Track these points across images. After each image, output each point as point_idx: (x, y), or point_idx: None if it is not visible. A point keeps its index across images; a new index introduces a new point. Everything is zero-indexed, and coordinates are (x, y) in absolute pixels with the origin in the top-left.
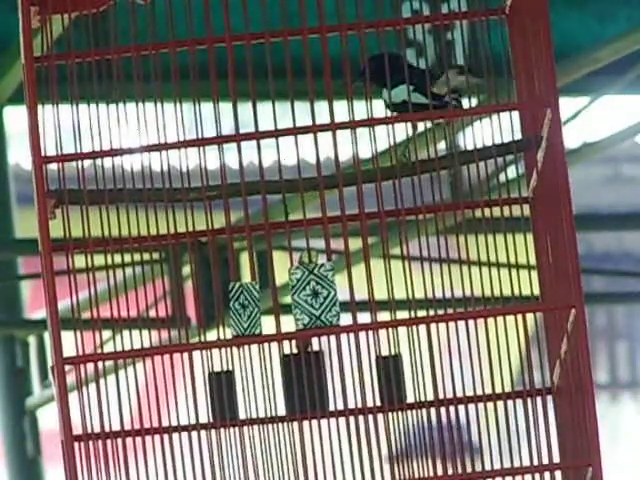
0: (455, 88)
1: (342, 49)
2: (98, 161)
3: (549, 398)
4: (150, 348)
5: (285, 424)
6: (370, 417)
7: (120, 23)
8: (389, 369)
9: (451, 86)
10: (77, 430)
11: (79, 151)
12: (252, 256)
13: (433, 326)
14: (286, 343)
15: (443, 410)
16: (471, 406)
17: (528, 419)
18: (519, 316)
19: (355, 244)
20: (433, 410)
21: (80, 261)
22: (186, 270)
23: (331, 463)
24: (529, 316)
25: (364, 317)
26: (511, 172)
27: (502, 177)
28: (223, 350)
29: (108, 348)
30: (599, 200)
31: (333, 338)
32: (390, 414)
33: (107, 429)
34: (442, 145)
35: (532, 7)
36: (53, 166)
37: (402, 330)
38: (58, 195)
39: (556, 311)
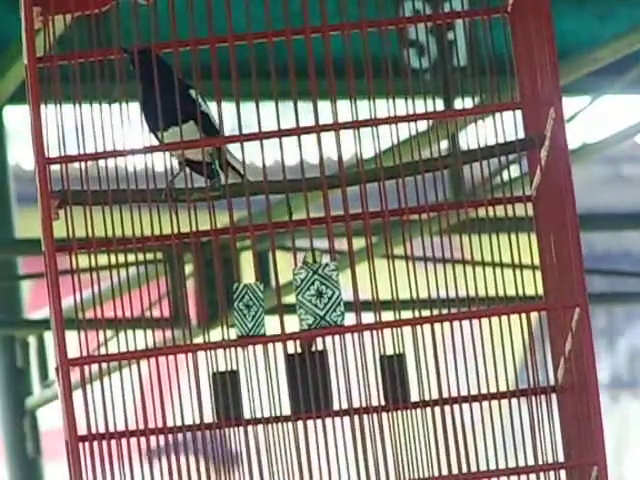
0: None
1: (344, 48)
2: (101, 161)
3: (553, 397)
4: (154, 349)
5: (289, 423)
6: (374, 416)
7: (122, 23)
8: (393, 368)
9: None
10: (81, 430)
11: (82, 151)
12: (256, 256)
13: (437, 325)
14: (290, 343)
15: (447, 409)
16: (475, 405)
17: (532, 418)
18: (523, 315)
19: (358, 244)
20: (437, 409)
21: (83, 261)
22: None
23: (335, 462)
24: (533, 315)
25: (368, 317)
26: (514, 171)
27: (505, 176)
28: (227, 350)
29: (111, 348)
30: (599, 200)
31: (337, 338)
32: (394, 413)
33: (111, 429)
34: (445, 144)
35: (534, 6)
36: (56, 166)
37: (406, 330)
38: (61, 196)
39: (560, 310)
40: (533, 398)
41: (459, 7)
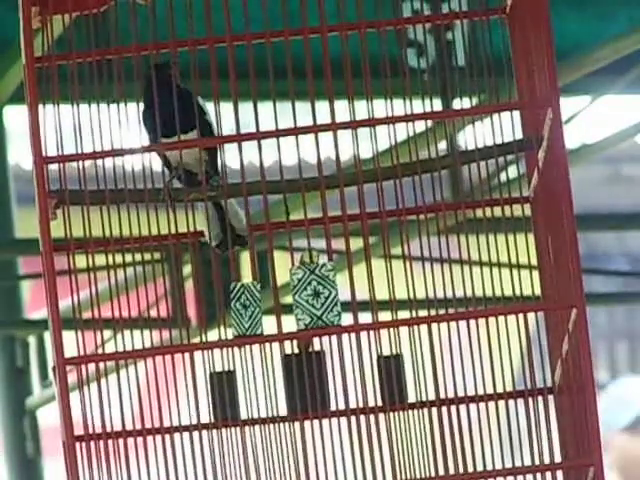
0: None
1: (342, 49)
2: (99, 161)
3: (550, 398)
4: (151, 348)
5: (286, 424)
6: (371, 417)
7: (121, 23)
8: (390, 369)
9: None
10: (78, 430)
11: (80, 151)
12: (253, 256)
13: (434, 326)
14: (287, 343)
15: (444, 410)
16: (472, 406)
17: (529, 418)
18: (520, 316)
19: (356, 244)
20: (434, 410)
21: (81, 261)
22: (187, 270)
23: (332, 463)
24: (530, 315)
25: (365, 317)
26: (512, 172)
27: (503, 177)
28: (224, 350)
29: (109, 348)
30: (599, 200)
31: (334, 338)
32: (391, 414)
33: (108, 429)
34: (443, 145)
35: (532, 7)
36: (54, 166)
37: (403, 330)
38: (59, 195)
39: (557, 311)
40: (530, 399)
41: (458, 8)
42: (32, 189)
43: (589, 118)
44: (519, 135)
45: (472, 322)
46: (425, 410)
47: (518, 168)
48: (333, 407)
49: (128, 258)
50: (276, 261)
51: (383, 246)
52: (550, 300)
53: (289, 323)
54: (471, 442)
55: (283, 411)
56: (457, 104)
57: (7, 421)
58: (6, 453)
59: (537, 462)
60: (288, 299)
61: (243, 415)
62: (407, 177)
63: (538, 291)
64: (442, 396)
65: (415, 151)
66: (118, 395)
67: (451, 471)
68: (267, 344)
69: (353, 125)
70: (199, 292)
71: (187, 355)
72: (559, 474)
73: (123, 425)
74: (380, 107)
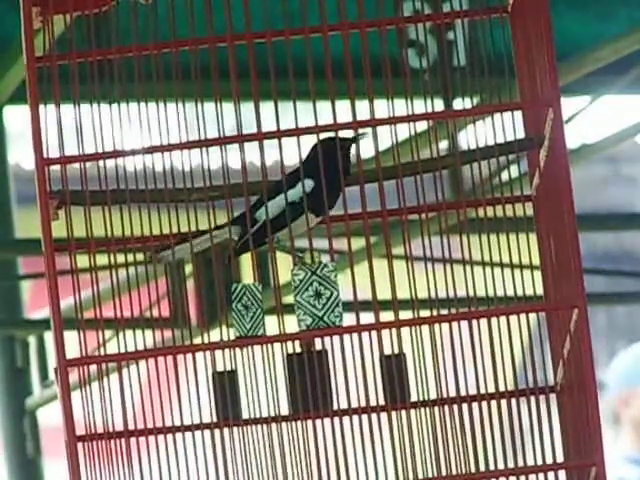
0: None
1: (344, 48)
2: (100, 161)
3: (552, 397)
4: (154, 349)
5: (288, 423)
6: (374, 416)
7: (122, 23)
8: (393, 369)
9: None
10: (80, 430)
11: (81, 151)
12: (254, 256)
13: (436, 325)
14: (289, 343)
15: (447, 409)
16: (474, 405)
17: (531, 418)
18: (522, 315)
19: (357, 243)
20: (437, 409)
21: (82, 261)
22: (188, 269)
23: (335, 462)
24: (532, 315)
25: (367, 317)
26: (514, 171)
27: (505, 176)
28: (226, 351)
29: (111, 348)
30: (599, 200)
31: (336, 338)
32: (394, 413)
33: (110, 429)
34: (444, 144)
35: (533, 6)
36: (55, 166)
37: (405, 329)
38: (60, 196)
39: (559, 311)
40: (532, 398)
41: (459, 7)
42: (32, 189)
43: (589, 118)
44: (520, 134)
45: (474, 322)
46: (427, 409)
47: (519, 168)
48: (335, 406)
49: (129, 258)
50: (278, 261)
51: (385, 246)
52: (551, 300)
53: (291, 323)
54: (473, 441)
55: (285, 410)
56: (458, 104)
57: (7, 421)
58: (6, 453)
59: (539, 462)
60: (290, 299)
61: (245, 415)
62: (408, 177)
63: (540, 291)
64: (444, 395)
65: (416, 151)
66: (120, 395)
67: (454, 471)
68: (269, 345)
69: (354, 125)
70: (200, 292)
71: (189, 355)
72: (561, 474)
73: (125, 425)
74: (381, 107)
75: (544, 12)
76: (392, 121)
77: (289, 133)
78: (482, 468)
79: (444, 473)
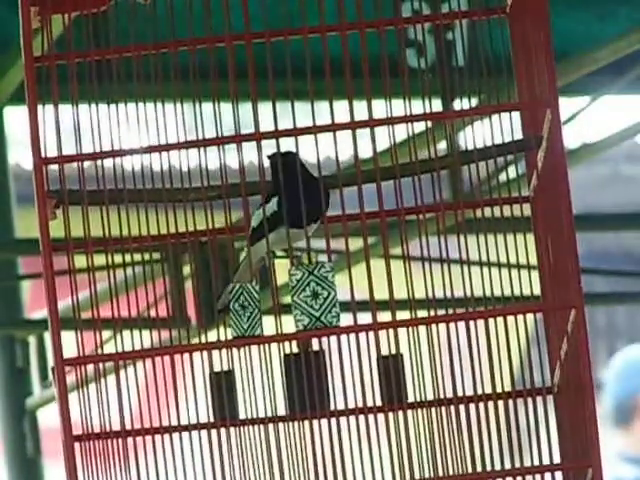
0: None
1: (342, 49)
2: (98, 161)
3: (550, 398)
4: (151, 349)
5: (285, 424)
6: (371, 417)
7: (120, 23)
8: (390, 369)
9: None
10: (78, 430)
11: (79, 151)
12: (252, 257)
13: (434, 326)
14: (286, 343)
15: (444, 410)
16: (472, 406)
17: (529, 419)
18: (519, 316)
19: (355, 244)
20: (434, 410)
21: (81, 261)
22: (186, 270)
23: (332, 463)
24: (529, 316)
25: (364, 317)
26: (512, 172)
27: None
28: (223, 351)
29: (108, 348)
30: (599, 200)
31: (333, 339)
32: (391, 414)
33: (108, 429)
34: (442, 145)
35: (532, 7)
36: (54, 166)
37: (402, 330)
38: (58, 196)
39: (556, 311)
40: (529, 400)
41: (458, 8)
42: (32, 189)
43: (589, 118)
44: (518, 135)
45: (471, 322)
46: (424, 410)
47: (517, 168)
48: (332, 407)
49: (127, 258)
50: (276, 261)
51: (382, 246)
52: (549, 301)
53: (288, 323)
54: (470, 442)
55: (282, 411)
56: (457, 104)
57: (7, 421)
58: (6, 453)
59: (536, 463)
60: (287, 299)
61: (242, 415)
62: (407, 177)
63: (537, 291)
64: (441, 396)
65: (415, 151)
66: (117, 395)
67: (451, 472)
68: (267, 345)
69: (352, 126)
70: (198, 292)
71: (186, 355)
72: (558, 475)
73: (122, 425)
74: (380, 107)
75: (543, 13)
76: (390, 121)
77: (287, 133)
78: (479, 469)
79: (441, 474)
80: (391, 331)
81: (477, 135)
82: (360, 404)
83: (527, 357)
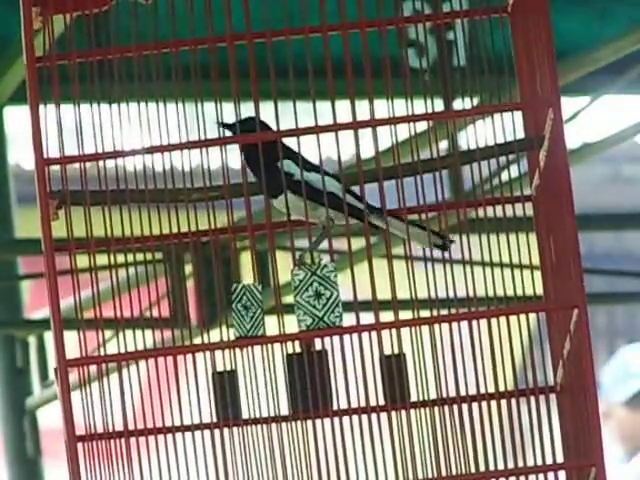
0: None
1: (344, 48)
2: (100, 161)
3: (552, 397)
4: (153, 349)
5: (288, 423)
6: (374, 416)
7: (121, 23)
8: (392, 369)
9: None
10: (80, 430)
11: (81, 151)
12: (254, 257)
13: (436, 326)
14: (289, 343)
15: (447, 409)
16: (474, 406)
17: (532, 418)
18: (522, 316)
19: (357, 244)
20: (437, 409)
21: (82, 261)
22: (188, 270)
23: (334, 462)
24: (531, 315)
25: (367, 317)
26: (514, 172)
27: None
28: (226, 351)
29: (110, 348)
30: (599, 200)
31: (336, 338)
32: (394, 413)
33: (110, 429)
34: (444, 144)
35: (533, 6)
36: (55, 167)
37: (405, 329)
38: (60, 196)
39: (559, 311)
40: (532, 399)
41: (459, 7)
42: (32, 189)
43: (589, 118)
44: (520, 135)
45: (474, 322)
46: (427, 410)
47: (519, 168)
48: (335, 407)
49: (129, 258)
50: (279, 261)
51: (385, 246)
52: (551, 300)
53: (291, 323)
54: (473, 442)
55: (285, 411)
56: (458, 104)
57: (7, 421)
58: (6, 453)
59: (539, 462)
60: (290, 299)
61: (245, 415)
62: (408, 177)
63: (539, 291)
64: (444, 396)
65: (416, 151)
66: (120, 395)
67: (454, 471)
68: (269, 345)
69: (354, 126)
70: (200, 292)
71: (189, 355)
72: (561, 474)
73: (125, 425)
74: (381, 107)
75: (544, 12)
76: (392, 121)
77: (289, 133)
78: (482, 468)
79: (444, 473)
80: (394, 331)
81: (479, 135)
82: (363, 404)
83: (529, 356)
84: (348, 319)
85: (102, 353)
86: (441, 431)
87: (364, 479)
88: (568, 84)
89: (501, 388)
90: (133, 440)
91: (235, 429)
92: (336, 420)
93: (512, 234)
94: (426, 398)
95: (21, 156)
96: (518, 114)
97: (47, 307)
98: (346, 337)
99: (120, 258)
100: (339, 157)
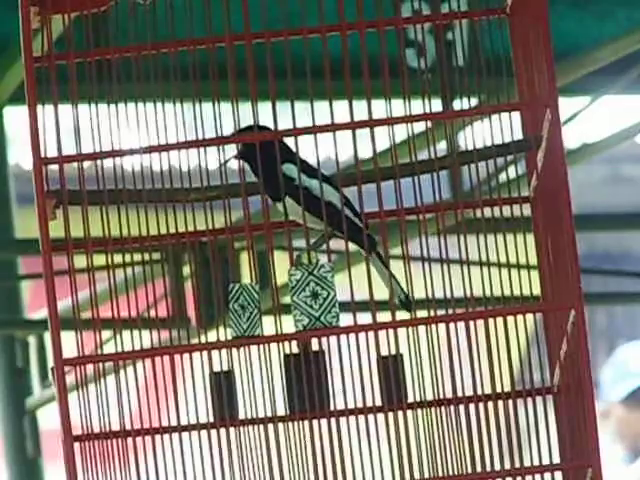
0: None
1: (342, 49)
2: (98, 161)
3: (549, 398)
4: (151, 349)
5: (285, 424)
6: (371, 417)
7: (120, 23)
8: (390, 369)
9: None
10: (77, 430)
11: (79, 151)
12: (252, 256)
13: (433, 326)
14: (286, 343)
15: (444, 410)
16: (471, 406)
17: (529, 419)
18: (519, 316)
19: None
20: (434, 410)
21: (80, 261)
22: (186, 270)
23: (331, 463)
24: (529, 316)
25: (364, 317)
26: (512, 172)
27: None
28: (223, 350)
29: (108, 348)
30: (599, 200)
31: (333, 339)
32: (391, 414)
33: (107, 429)
34: (442, 145)
35: (532, 7)
36: (54, 166)
37: (402, 330)
38: (58, 196)
39: (556, 312)
40: (529, 400)
41: (457, 8)
42: (32, 189)
43: (589, 118)
44: (518, 135)
45: (471, 322)
46: (424, 410)
47: (517, 168)
48: (332, 407)
49: (127, 258)
50: (276, 261)
51: (383, 246)
52: (549, 301)
53: (288, 323)
54: (470, 443)
55: (282, 411)
56: (457, 104)
57: (7, 421)
58: (6, 453)
59: (536, 463)
60: (287, 299)
61: (242, 415)
62: (406, 177)
63: (537, 291)
64: (441, 396)
65: (414, 151)
66: (117, 395)
67: (451, 472)
68: (267, 345)
69: (352, 126)
70: (198, 292)
71: (186, 355)
72: (558, 475)
73: (122, 425)
74: (380, 107)
75: (543, 13)
76: (390, 121)
77: (287, 133)
78: (479, 469)
79: (441, 474)
80: (391, 331)
81: (477, 135)
82: (360, 404)
83: (527, 357)
84: (345, 319)
85: (100, 353)
86: (438, 432)
87: (361, 478)
88: (568, 84)
89: (498, 389)
90: (130, 440)
91: (232, 429)
92: (333, 420)
93: (510, 235)
94: (423, 399)
95: (21, 156)
96: (516, 115)
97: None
98: (343, 337)
99: (118, 258)
100: (337, 157)
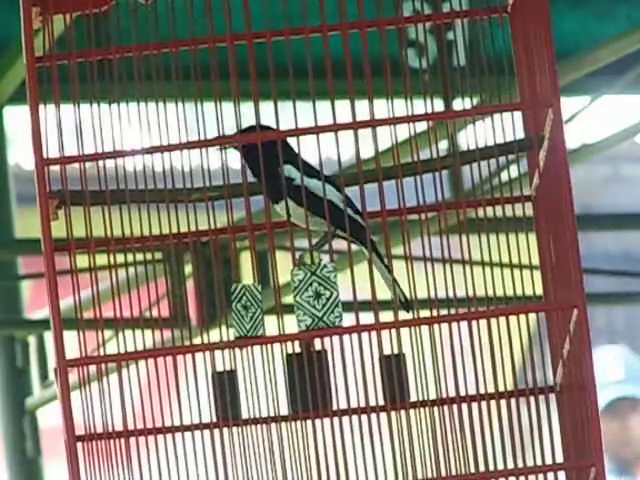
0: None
1: (343, 48)
2: (100, 162)
3: (552, 397)
4: (153, 350)
5: (288, 424)
6: (373, 416)
7: (121, 23)
8: (392, 369)
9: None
10: (80, 430)
11: (81, 152)
12: (254, 256)
13: (436, 326)
14: (289, 343)
15: (446, 410)
16: (474, 406)
17: (531, 418)
18: (522, 316)
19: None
20: (436, 409)
21: (82, 261)
22: (188, 270)
23: (334, 462)
24: (531, 315)
25: (366, 317)
26: (514, 172)
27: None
28: (226, 351)
29: (110, 348)
30: (599, 200)
31: (336, 339)
32: (393, 413)
33: (110, 429)
34: (444, 144)
35: (533, 6)
36: (55, 166)
37: (405, 330)
38: (60, 196)
39: (558, 311)
40: (532, 399)
41: (459, 7)
42: (32, 189)
43: (589, 118)
44: (520, 135)
45: (473, 322)
46: (427, 410)
47: (519, 168)
48: (335, 407)
49: (129, 258)
50: (279, 261)
51: (385, 246)
52: (551, 300)
53: (291, 323)
54: (473, 442)
55: (285, 411)
56: (458, 104)
57: (7, 421)
58: (6, 453)
59: (539, 462)
60: (289, 299)
61: (245, 415)
62: (408, 177)
63: (539, 291)
64: (444, 396)
65: (416, 151)
66: (119, 395)
67: (453, 471)
68: (269, 345)
69: (354, 126)
70: (200, 292)
71: (188, 355)
72: (561, 474)
73: (125, 425)
74: (381, 107)
75: (544, 12)
76: (392, 121)
77: (288, 133)
78: (482, 469)
79: (444, 474)
80: (393, 331)
81: (478, 135)
82: (362, 404)
83: (529, 356)
84: (348, 319)
85: (102, 353)
86: (441, 431)
87: (364, 479)
88: (568, 84)
89: (501, 388)
90: (133, 440)
91: (235, 429)
92: (336, 420)
93: (512, 234)
94: (426, 398)
95: (21, 156)
96: (518, 114)
97: (47, 307)
98: (346, 337)
99: (120, 258)
100: (339, 157)
